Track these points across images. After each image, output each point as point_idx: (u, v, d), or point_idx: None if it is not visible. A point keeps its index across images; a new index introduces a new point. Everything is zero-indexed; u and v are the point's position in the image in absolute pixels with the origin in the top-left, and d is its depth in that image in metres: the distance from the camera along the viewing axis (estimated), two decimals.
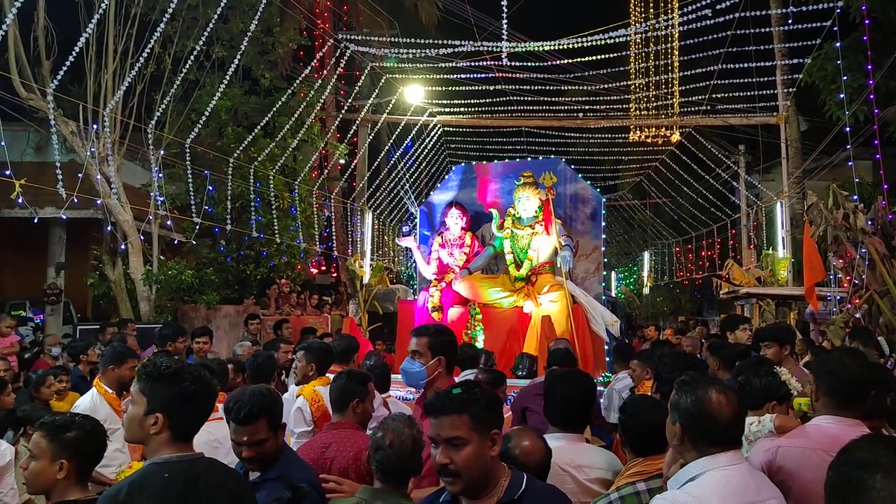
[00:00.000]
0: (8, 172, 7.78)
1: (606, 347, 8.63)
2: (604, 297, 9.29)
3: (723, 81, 14.41)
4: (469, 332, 8.63)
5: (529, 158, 10.74)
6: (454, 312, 8.86)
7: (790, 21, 13.02)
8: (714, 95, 15.04)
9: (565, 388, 3.47)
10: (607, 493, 2.79)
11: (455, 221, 9.27)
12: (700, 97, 15.03)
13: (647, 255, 27.98)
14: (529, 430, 3.07)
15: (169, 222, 12.20)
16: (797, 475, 2.65)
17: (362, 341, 8.71)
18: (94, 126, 11.07)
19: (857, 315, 8.83)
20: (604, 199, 9.77)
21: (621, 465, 3.19)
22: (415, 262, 10.16)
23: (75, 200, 8.78)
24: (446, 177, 10.28)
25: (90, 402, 4.89)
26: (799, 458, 2.69)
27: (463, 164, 10.37)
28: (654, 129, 16.45)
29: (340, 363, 5.13)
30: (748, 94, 14.64)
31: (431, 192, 10.84)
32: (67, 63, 8.54)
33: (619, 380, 6.70)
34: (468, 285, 8.79)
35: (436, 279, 9.22)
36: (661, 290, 26.21)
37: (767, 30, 13.85)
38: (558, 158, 10.04)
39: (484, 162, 10.54)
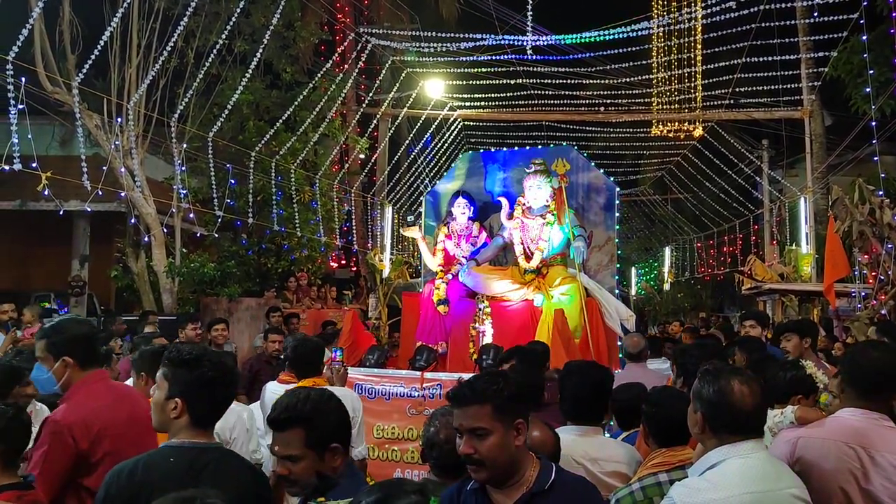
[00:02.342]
0: (34, 165, 7.87)
1: (620, 343, 8.15)
2: (616, 291, 8.86)
3: (746, 75, 14.24)
4: (477, 326, 8.27)
5: (540, 146, 10.15)
6: (461, 306, 8.48)
7: (815, 14, 12.85)
8: (737, 89, 14.89)
9: (576, 381, 3.44)
10: (629, 484, 2.79)
11: (462, 211, 8.82)
12: (723, 91, 14.91)
13: (667, 250, 27.80)
14: (538, 421, 3.06)
15: (191, 215, 12.30)
16: (816, 466, 2.63)
17: (365, 335, 8.62)
18: (119, 119, 11.18)
19: (883, 311, 8.73)
20: (617, 189, 9.29)
21: (640, 458, 3.17)
22: (420, 253, 9.69)
23: (100, 193, 8.88)
24: (452, 165, 9.84)
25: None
26: (819, 448, 2.67)
27: (470, 152, 9.90)
28: (676, 123, 16.34)
29: None
30: (772, 87, 14.46)
31: (437, 181, 10.42)
32: (92, 57, 8.63)
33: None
34: (475, 277, 8.38)
35: (441, 271, 8.81)
36: (682, 285, 26.03)
37: (792, 23, 13.70)
38: (570, 146, 9.55)
39: (492, 149, 10.14)
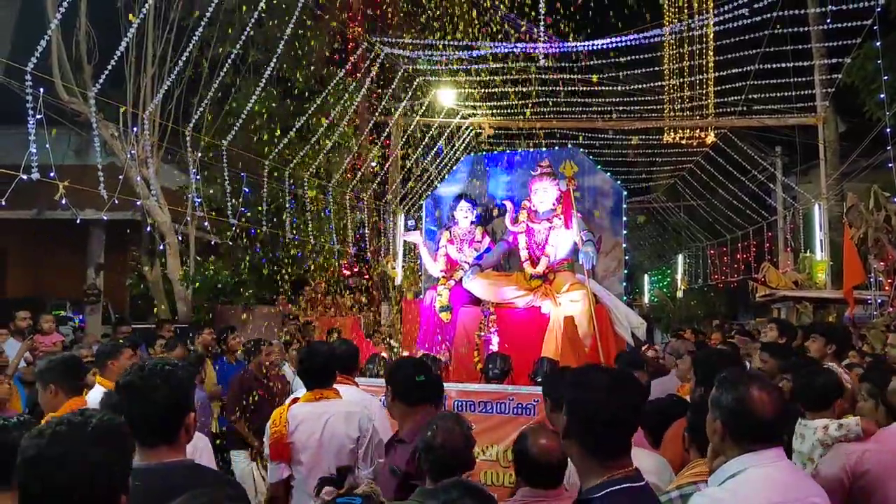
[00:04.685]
0: (52, 174, 7.94)
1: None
2: (624, 298, 8.61)
3: (759, 82, 14.19)
4: (482, 334, 8.06)
5: (544, 149, 9.86)
6: (465, 313, 8.27)
7: (829, 20, 12.79)
8: (750, 96, 14.83)
9: None
10: (667, 491, 2.74)
11: (464, 215, 8.65)
12: (736, 98, 14.85)
13: (680, 258, 27.68)
14: (546, 429, 3.04)
15: (206, 224, 12.37)
16: (885, 480, 2.58)
17: (365, 344, 8.51)
18: (134, 129, 11.29)
19: None
20: (625, 193, 9.05)
21: (669, 468, 3.15)
22: (421, 258, 9.49)
23: (115, 202, 8.94)
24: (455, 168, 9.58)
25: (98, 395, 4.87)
26: (886, 462, 2.62)
27: (472, 154, 9.69)
28: (688, 130, 16.29)
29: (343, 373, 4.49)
30: (785, 94, 14.40)
31: (438, 185, 10.19)
32: (108, 67, 8.69)
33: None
34: (480, 283, 8.16)
35: (444, 277, 8.62)
36: (696, 293, 25.90)
37: (805, 29, 13.65)
38: (576, 148, 9.37)
39: (495, 151, 9.85)
